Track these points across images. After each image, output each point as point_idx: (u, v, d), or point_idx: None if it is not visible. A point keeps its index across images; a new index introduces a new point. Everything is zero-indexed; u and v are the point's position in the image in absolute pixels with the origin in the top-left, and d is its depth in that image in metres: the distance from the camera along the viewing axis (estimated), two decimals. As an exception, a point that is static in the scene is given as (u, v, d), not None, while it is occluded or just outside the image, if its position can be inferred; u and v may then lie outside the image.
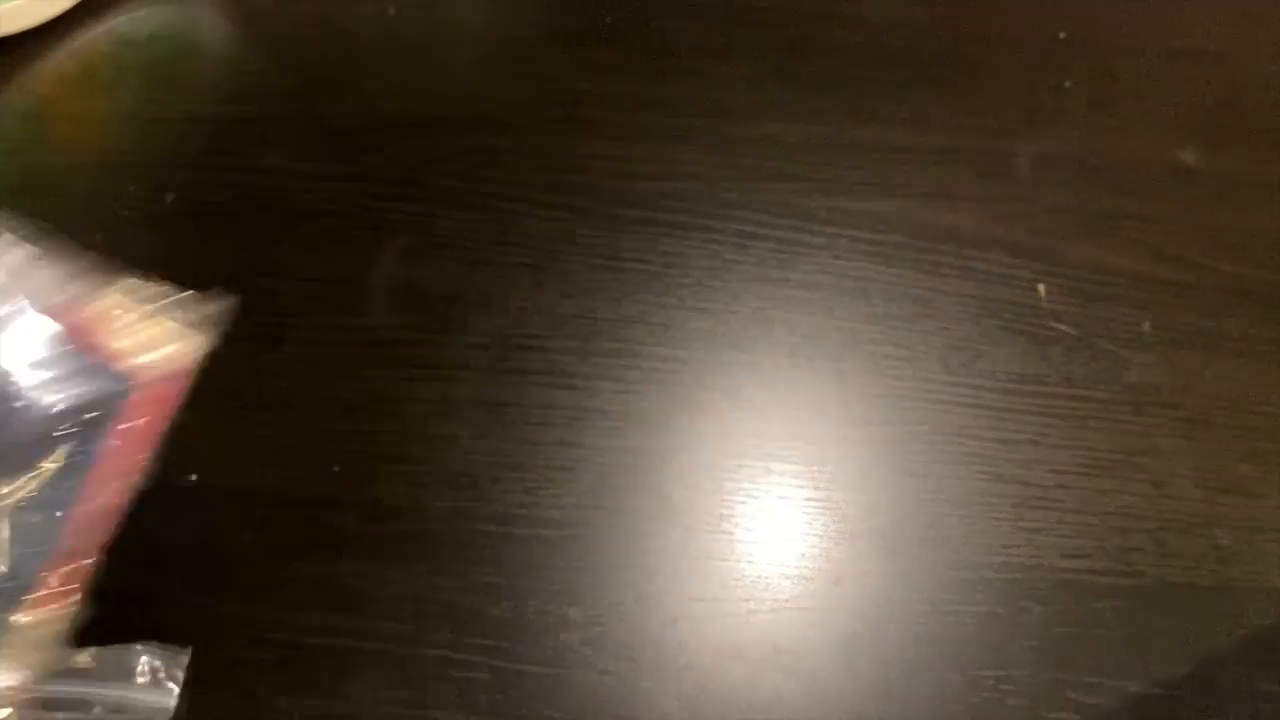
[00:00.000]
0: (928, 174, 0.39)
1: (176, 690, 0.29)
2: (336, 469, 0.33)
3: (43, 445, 0.29)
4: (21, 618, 0.28)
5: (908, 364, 0.36)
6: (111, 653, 0.30)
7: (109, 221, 0.38)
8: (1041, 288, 0.38)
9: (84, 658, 0.30)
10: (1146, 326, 0.37)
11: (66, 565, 0.28)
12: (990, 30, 0.43)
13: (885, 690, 0.30)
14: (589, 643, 0.31)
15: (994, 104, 0.42)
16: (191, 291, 0.33)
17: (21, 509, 0.29)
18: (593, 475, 0.33)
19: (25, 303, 0.30)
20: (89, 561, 0.29)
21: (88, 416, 0.30)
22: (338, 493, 0.33)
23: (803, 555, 0.33)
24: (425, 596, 0.32)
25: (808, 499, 0.33)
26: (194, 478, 0.32)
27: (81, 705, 0.29)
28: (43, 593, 0.28)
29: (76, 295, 0.30)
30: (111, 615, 0.31)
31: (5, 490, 0.29)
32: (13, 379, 0.30)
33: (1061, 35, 0.43)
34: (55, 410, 0.30)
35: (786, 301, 0.36)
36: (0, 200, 0.39)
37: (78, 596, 0.28)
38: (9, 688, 0.28)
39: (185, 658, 0.30)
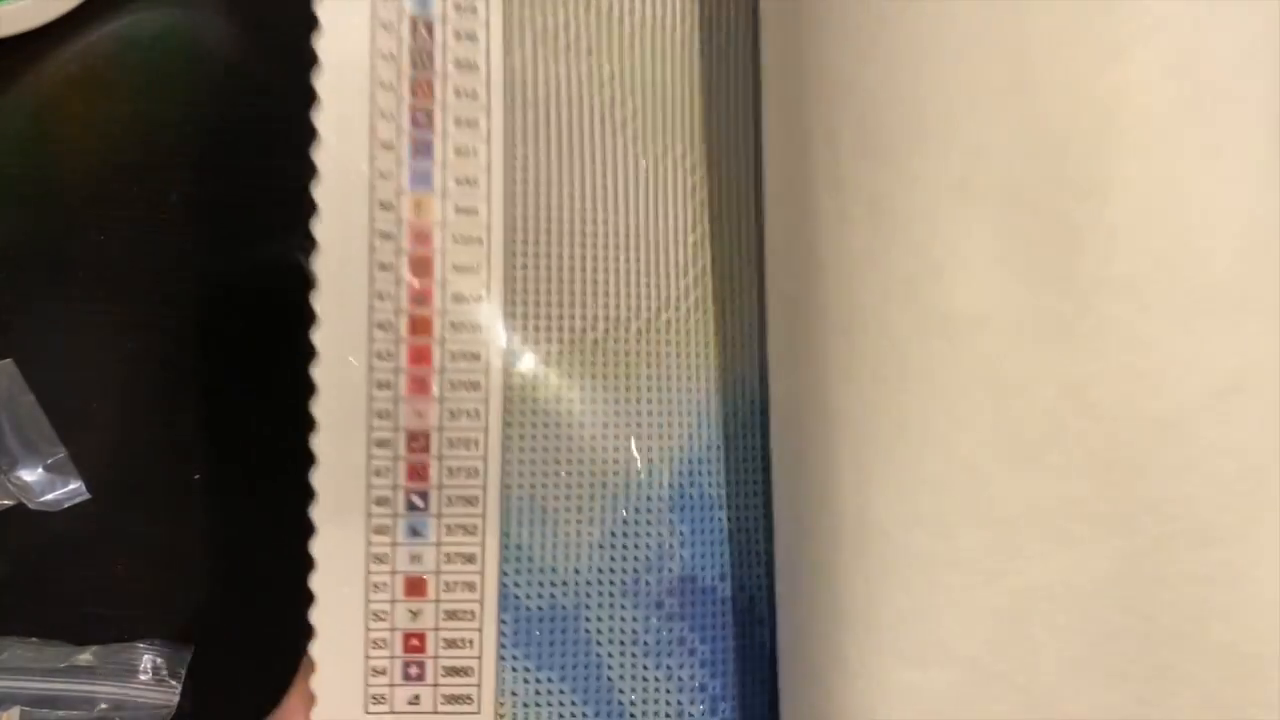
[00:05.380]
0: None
1: (179, 688, 0.30)
2: (339, 468, 0.33)
3: None
4: None
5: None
6: (114, 650, 0.30)
7: (114, 222, 0.38)
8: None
9: (86, 655, 0.30)
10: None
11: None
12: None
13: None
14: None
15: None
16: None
17: None
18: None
19: None
20: None
21: None
22: (340, 492, 0.33)
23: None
24: (428, 595, 0.32)
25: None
26: (198, 476, 0.32)
27: (84, 703, 0.29)
28: None
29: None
30: (114, 613, 0.31)
31: None
32: None
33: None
34: None
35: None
36: (2, 201, 0.39)
37: None
38: (13, 685, 0.29)
39: (188, 655, 0.30)
